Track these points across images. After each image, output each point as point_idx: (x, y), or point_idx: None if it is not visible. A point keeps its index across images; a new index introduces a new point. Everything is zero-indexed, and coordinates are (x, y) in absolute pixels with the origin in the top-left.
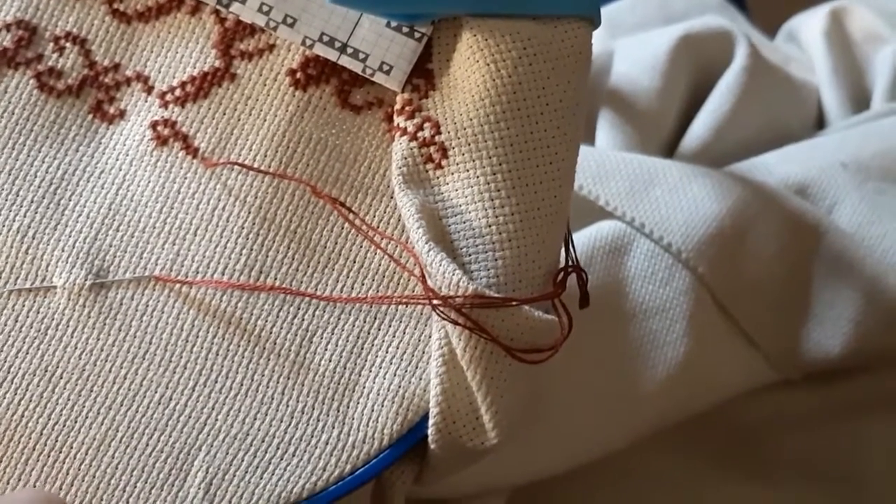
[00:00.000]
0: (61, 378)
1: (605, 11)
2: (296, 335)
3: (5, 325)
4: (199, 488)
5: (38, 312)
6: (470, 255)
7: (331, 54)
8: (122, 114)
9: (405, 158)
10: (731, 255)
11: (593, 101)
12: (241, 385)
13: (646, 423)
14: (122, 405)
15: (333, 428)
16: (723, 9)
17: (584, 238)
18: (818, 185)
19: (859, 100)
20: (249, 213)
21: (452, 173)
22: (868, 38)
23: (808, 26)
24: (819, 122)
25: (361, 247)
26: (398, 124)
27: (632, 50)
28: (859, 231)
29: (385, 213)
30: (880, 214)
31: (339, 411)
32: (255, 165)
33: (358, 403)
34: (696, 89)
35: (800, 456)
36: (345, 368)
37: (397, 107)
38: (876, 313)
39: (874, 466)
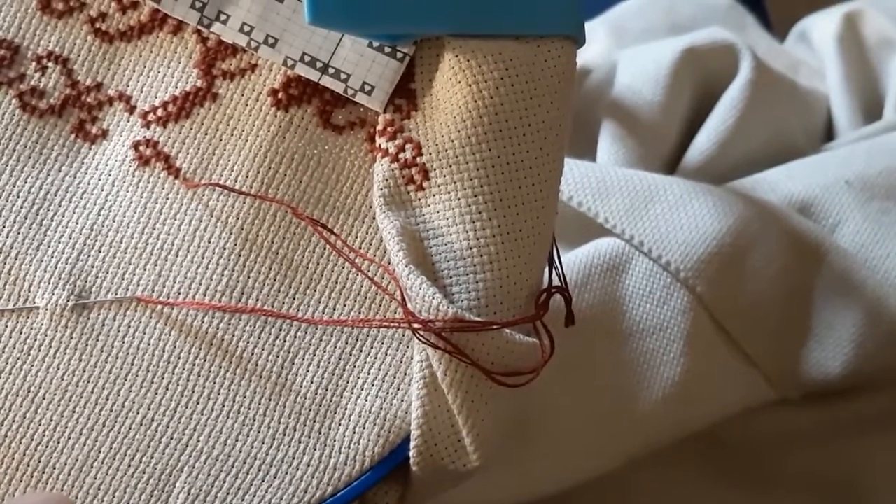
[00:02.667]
0: (44, 399)
1: (611, 16)
2: (277, 356)
3: None
4: None
5: (21, 333)
6: (451, 278)
7: (312, 74)
8: (104, 133)
9: (386, 180)
10: (730, 274)
11: (595, 112)
12: (223, 406)
13: (642, 443)
14: (104, 426)
15: (315, 450)
16: (731, 14)
17: (583, 256)
18: (821, 204)
19: (871, 108)
20: (231, 234)
21: (434, 195)
22: (882, 44)
23: (821, 29)
24: (828, 131)
25: (343, 268)
26: (380, 145)
27: (635, 62)
28: (862, 251)
29: (367, 234)
30: (884, 235)
31: (320, 433)
32: (237, 186)
33: (340, 425)
34: (700, 103)
35: (800, 473)
36: (326, 390)
37: (379, 127)
38: (877, 335)
39: (874, 484)
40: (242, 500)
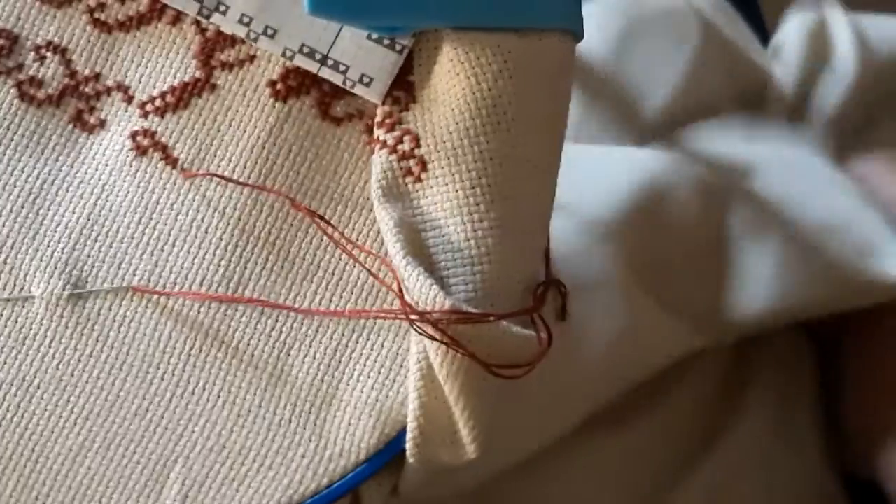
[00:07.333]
0: (39, 388)
1: None
2: (273, 347)
3: None
4: (174, 500)
5: (16, 322)
6: (448, 270)
7: (311, 66)
8: (102, 123)
9: (384, 171)
10: (648, 227)
11: None
12: (218, 397)
13: (591, 400)
14: (99, 415)
15: (310, 441)
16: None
17: None
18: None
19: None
20: (228, 224)
21: (432, 187)
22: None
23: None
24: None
25: (340, 259)
26: (378, 137)
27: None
28: (775, 192)
29: (364, 225)
30: (796, 173)
31: (316, 424)
32: (235, 176)
33: (335, 417)
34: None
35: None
36: (322, 381)
37: (377, 119)
38: (795, 273)
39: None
40: (237, 490)
